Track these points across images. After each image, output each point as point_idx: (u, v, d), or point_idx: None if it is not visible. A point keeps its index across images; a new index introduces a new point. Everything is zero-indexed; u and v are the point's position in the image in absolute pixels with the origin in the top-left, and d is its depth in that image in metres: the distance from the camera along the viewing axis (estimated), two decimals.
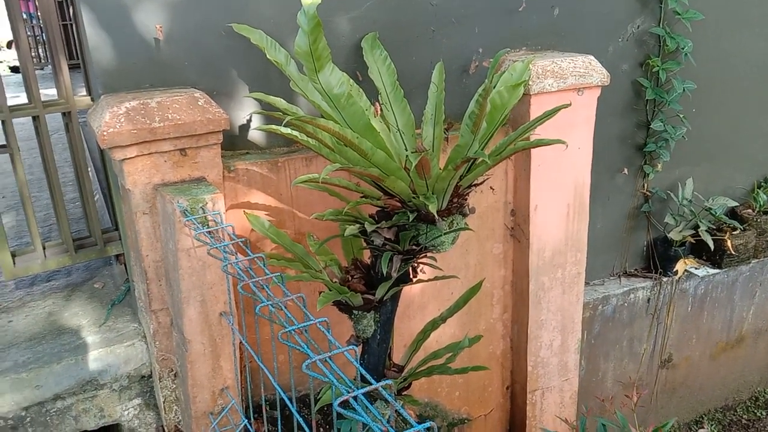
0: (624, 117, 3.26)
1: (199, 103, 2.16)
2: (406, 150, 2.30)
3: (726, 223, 3.57)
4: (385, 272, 2.03)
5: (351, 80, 2.40)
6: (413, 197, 1.94)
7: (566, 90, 2.71)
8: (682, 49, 3.11)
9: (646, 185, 3.43)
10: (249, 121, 2.47)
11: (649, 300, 3.57)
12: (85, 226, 2.76)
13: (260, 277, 1.54)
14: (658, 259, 3.54)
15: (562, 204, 2.89)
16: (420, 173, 1.84)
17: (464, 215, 2.12)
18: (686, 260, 3.40)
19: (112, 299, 2.70)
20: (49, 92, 3.76)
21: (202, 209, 2.02)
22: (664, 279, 3.57)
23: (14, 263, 2.54)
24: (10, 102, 2.39)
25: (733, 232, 3.58)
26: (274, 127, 1.86)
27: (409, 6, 2.59)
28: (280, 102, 2.12)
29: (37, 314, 2.62)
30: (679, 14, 3.07)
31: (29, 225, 2.57)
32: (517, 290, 3.04)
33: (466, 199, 2.10)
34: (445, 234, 2.05)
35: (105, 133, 2.00)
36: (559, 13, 2.91)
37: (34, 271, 2.62)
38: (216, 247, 1.76)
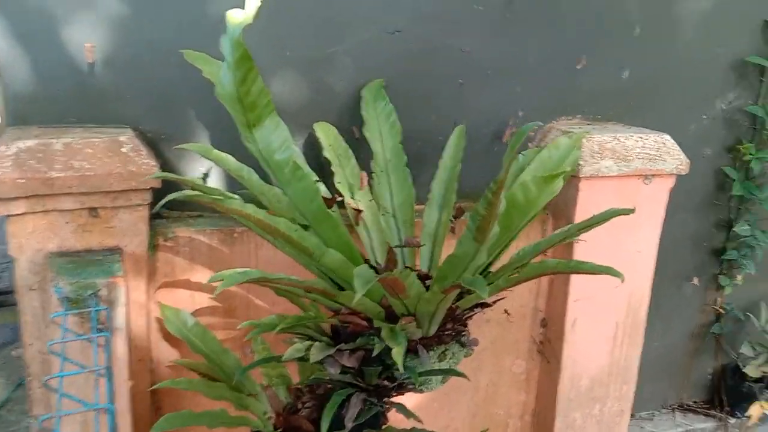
0: (700, 213, 2.57)
1: (123, 150, 1.61)
2: (400, 240, 1.69)
3: None
4: (330, 419, 1.40)
5: (338, 137, 1.83)
6: (384, 321, 1.33)
7: (629, 176, 2.06)
8: None
9: (719, 300, 2.71)
10: (206, 176, 1.92)
11: None
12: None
13: None
14: (727, 394, 2.79)
15: (609, 321, 2.21)
16: (391, 293, 1.22)
17: (463, 345, 1.49)
18: (764, 403, 2.65)
19: (21, 377, 2.15)
20: None
21: (95, 297, 1.45)
22: (731, 420, 2.80)
23: None
24: None
25: None
26: (189, 193, 1.29)
27: (432, 49, 2.01)
28: (228, 160, 1.54)
29: None
30: None
31: None
32: (540, 423, 2.34)
33: (466, 325, 1.47)
34: (429, 373, 1.41)
35: None
36: (629, 76, 2.28)
37: None
38: (83, 369, 1.17)
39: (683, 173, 2.13)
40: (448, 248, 1.84)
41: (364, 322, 1.38)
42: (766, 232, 2.55)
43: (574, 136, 1.56)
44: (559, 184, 1.21)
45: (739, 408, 2.78)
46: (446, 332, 1.42)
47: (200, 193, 1.27)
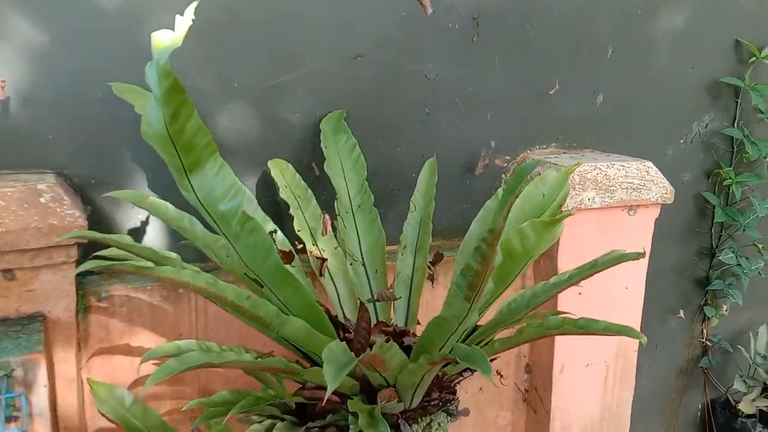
0: (682, 242, 2.44)
1: (42, 200, 1.37)
2: (371, 290, 1.49)
3: None
4: None
5: (296, 176, 1.62)
6: (358, 396, 1.11)
7: (613, 207, 1.91)
8: (765, 158, 2.33)
9: (705, 332, 2.57)
10: (145, 223, 1.68)
11: None
12: None
13: None
14: (719, 431, 2.64)
15: (599, 365, 2.03)
16: (369, 368, 1.01)
17: (451, 415, 1.28)
18: None
19: None
20: None
21: (7, 380, 1.20)
22: None
23: None
24: None
25: None
26: (106, 263, 1.06)
27: (395, 77, 1.83)
28: (166, 209, 1.31)
29: None
30: (763, 113, 2.30)
31: None
32: None
33: (455, 392, 1.26)
34: None
35: None
36: (604, 101, 2.15)
37: None
38: None
39: (668, 202, 1.99)
40: (426, 295, 1.65)
41: (335, 397, 1.16)
42: (750, 260, 2.43)
43: (562, 170, 1.39)
44: (560, 228, 1.03)
45: None
46: (432, 402, 1.21)
47: (123, 261, 1.04)
